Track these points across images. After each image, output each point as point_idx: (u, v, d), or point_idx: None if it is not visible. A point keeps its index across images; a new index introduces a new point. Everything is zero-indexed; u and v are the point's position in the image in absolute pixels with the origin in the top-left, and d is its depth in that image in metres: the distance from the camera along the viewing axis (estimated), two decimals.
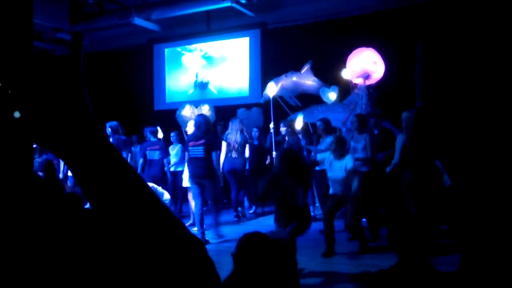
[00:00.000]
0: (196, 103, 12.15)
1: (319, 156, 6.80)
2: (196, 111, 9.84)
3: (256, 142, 9.19)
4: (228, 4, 10.37)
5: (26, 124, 0.63)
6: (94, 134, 0.66)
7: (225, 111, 11.37)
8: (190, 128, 7.90)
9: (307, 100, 9.35)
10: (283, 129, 8.22)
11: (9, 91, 0.63)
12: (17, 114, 0.63)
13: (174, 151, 9.50)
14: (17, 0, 1.04)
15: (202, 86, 12.35)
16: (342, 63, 9.93)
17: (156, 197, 0.69)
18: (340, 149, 5.72)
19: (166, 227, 0.66)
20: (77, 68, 0.68)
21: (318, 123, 7.54)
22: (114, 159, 0.66)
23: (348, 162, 5.58)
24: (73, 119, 0.65)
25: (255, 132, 9.25)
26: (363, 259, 5.36)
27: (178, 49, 12.84)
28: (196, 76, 12.49)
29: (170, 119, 12.27)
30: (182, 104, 10.29)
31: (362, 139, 6.35)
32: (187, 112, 10.02)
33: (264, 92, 9.84)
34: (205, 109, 10.00)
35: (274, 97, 8.66)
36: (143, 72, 12.93)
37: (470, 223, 2.51)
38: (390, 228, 2.36)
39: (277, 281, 2.27)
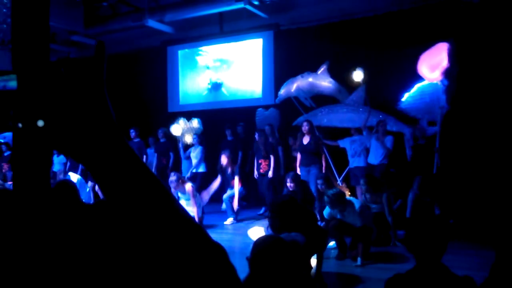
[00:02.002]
0: (209, 105, 12.22)
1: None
2: (188, 125, 10.30)
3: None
4: (241, 5, 10.39)
5: (49, 133, 0.63)
6: (116, 142, 0.66)
7: (239, 113, 11.40)
8: (188, 139, 8.53)
9: (322, 101, 9.34)
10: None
11: (33, 101, 0.63)
12: (40, 123, 0.63)
13: (194, 153, 9.58)
14: (34, 3, 1.04)
15: (215, 88, 12.37)
16: (355, 64, 9.91)
17: (176, 203, 0.69)
18: (340, 205, 5.53)
19: (186, 233, 0.67)
20: (100, 77, 0.68)
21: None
22: (136, 167, 0.67)
23: (355, 218, 5.49)
24: (96, 128, 0.65)
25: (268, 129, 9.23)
26: (377, 262, 5.32)
27: (192, 51, 12.88)
28: (210, 78, 12.52)
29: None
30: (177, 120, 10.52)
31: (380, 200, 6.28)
32: (181, 125, 10.36)
33: (279, 92, 9.84)
34: (195, 123, 10.52)
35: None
36: (157, 74, 12.99)
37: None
38: (409, 230, 2.34)
39: (293, 285, 2.25)
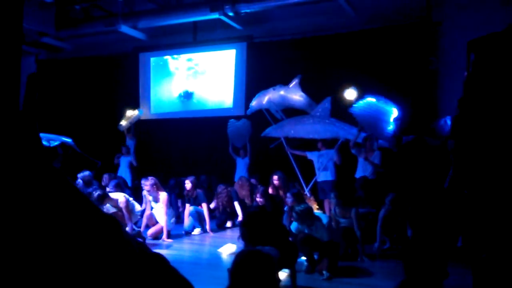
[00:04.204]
0: (180, 114, 12.14)
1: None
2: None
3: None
4: (215, 16, 10.41)
5: None
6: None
7: (209, 122, 11.37)
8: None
9: (293, 114, 9.40)
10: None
11: None
12: None
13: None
14: (7, 3, 1.00)
15: (187, 97, 12.30)
16: (328, 79, 10.05)
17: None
18: (308, 220, 5.50)
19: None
20: (32, 111, 0.67)
21: None
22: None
23: (322, 233, 5.50)
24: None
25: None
26: (344, 277, 5.34)
27: (164, 58, 12.79)
28: (182, 87, 12.44)
29: (154, 130, 12.24)
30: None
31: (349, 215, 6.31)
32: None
33: (250, 104, 9.86)
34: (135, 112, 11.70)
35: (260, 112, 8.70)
36: (129, 81, 12.83)
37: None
38: (404, 245, 2.34)
39: None
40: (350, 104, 8.45)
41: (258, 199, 7.39)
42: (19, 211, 0.62)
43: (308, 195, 8.53)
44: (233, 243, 6.65)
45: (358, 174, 8.32)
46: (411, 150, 7.90)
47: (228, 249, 6.50)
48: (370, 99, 8.29)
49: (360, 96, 8.49)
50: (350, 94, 8.63)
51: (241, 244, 5.08)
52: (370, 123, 8.27)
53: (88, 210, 0.64)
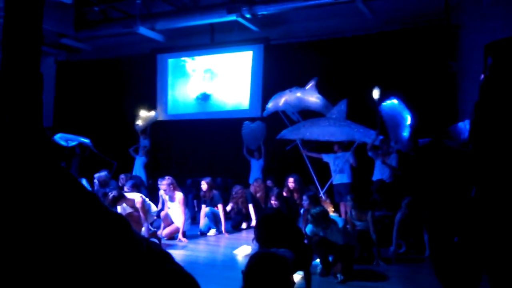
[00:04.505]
0: (197, 116, 12.20)
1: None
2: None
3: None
4: (233, 18, 10.43)
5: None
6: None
7: (226, 124, 11.39)
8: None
9: (310, 116, 9.37)
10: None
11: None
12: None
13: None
14: (27, 5, 1.01)
15: (204, 98, 12.34)
16: (344, 82, 10.01)
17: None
18: (323, 223, 5.45)
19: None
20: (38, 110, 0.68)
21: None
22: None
23: (337, 237, 5.47)
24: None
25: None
26: (359, 280, 5.31)
27: (181, 60, 12.86)
28: (199, 88, 12.49)
29: (171, 130, 12.31)
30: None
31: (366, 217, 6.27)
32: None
33: (266, 106, 9.86)
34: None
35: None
36: (146, 82, 12.92)
37: None
38: (438, 258, 2.30)
39: None
40: (375, 103, 8.39)
41: (272, 202, 7.38)
42: (23, 209, 0.63)
43: (324, 197, 8.50)
44: (248, 244, 6.66)
45: (375, 177, 8.27)
46: (428, 153, 7.83)
47: (243, 251, 6.50)
48: (394, 101, 8.26)
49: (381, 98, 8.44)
50: (375, 93, 8.59)
51: (256, 246, 5.08)
52: (392, 125, 8.22)
53: (94, 208, 0.64)
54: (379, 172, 8.20)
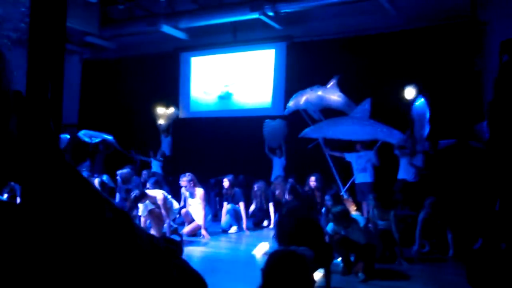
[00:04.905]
0: (219, 113, 12.24)
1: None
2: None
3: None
4: (255, 15, 10.42)
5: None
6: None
7: (248, 122, 11.39)
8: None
9: (332, 115, 9.31)
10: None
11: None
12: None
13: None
14: (51, 3, 1.03)
15: (226, 96, 12.38)
16: (368, 80, 9.91)
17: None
18: (344, 222, 5.47)
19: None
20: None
21: None
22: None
23: (359, 236, 5.43)
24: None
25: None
26: (381, 279, 5.26)
27: (204, 58, 12.91)
28: (221, 86, 12.53)
29: (193, 128, 12.38)
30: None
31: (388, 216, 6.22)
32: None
33: (287, 104, 9.83)
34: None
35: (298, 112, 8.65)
36: (169, 80, 13.02)
37: None
38: (470, 264, 2.26)
39: None
40: (407, 103, 8.31)
41: (286, 196, 7.36)
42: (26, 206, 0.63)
43: (346, 196, 8.45)
44: (267, 242, 6.64)
45: (400, 176, 8.18)
46: (454, 153, 7.72)
47: (261, 249, 6.48)
48: (422, 100, 8.19)
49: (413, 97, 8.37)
50: (408, 93, 8.50)
51: (275, 243, 5.08)
52: (419, 124, 8.14)
53: (94, 206, 0.63)
54: (404, 172, 8.12)
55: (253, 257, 6.33)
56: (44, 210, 0.60)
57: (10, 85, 0.63)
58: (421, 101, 8.22)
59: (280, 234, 4.24)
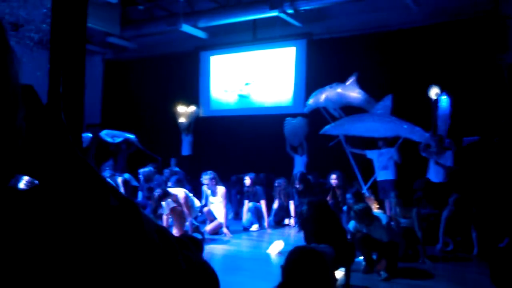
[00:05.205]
0: (240, 112, 12.26)
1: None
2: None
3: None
4: (275, 13, 10.40)
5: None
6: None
7: (268, 120, 11.39)
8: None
9: (352, 112, 9.24)
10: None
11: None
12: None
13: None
14: (73, 4, 1.05)
15: (246, 95, 12.40)
16: (389, 76, 9.82)
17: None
18: (366, 220, 5.42)
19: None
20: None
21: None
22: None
23: (381, 233, 5.38)
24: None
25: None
26: (403, 278, 5.21)
27: (224, 56, 12.94)
28: (241, 84, 12.55)
29: (214, 126, 12.43)
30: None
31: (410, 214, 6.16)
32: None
33: (307, 102, 9.80)
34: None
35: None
36: (190, 79, 13.09)
37: None
38: (495, 263, 2.24)
39: None
40: (431, 101, 8.24)
41: (297, 186, 7.32)
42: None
43: (367, 194, 8.38)
44: (285, 240, 6.60)
45: (430, 176, 8.04)
46: (478, 150, 7.60)
47: (276, 247, 6.42)
48: (444, 97, 8.10)
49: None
50: (433, 92, 8.42)
51: (288, 241, 5.04)
52: (443, 122, 8.05)
53: (100, 199, 0.63)
54: (434, 175, 7.97)
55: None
56: (47, 197, 0.60)
57: (17, 76, 0.62)
58: (444, 98, 8.12)
59: (304, 231, 4.24)
